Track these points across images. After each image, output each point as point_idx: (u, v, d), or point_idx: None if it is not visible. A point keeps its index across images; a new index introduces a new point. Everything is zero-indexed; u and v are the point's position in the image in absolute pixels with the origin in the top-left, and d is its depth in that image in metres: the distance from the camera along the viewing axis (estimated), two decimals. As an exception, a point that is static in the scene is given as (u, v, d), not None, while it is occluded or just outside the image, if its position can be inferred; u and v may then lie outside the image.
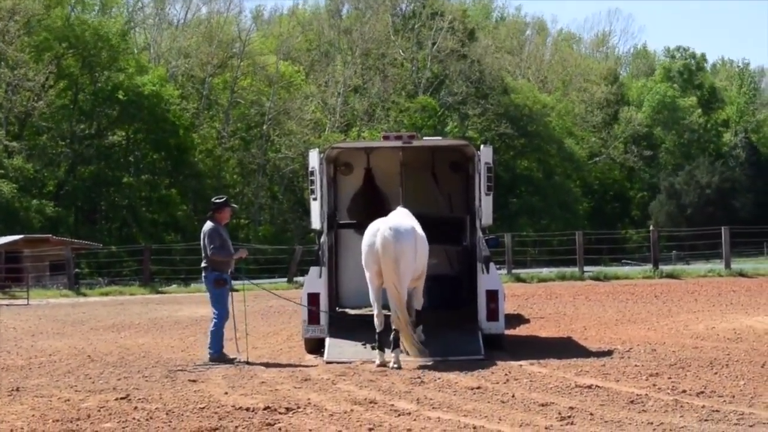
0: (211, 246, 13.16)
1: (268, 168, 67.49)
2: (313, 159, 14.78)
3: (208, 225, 13.37)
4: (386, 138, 16.21)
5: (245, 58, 68.09)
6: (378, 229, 12.74)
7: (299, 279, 28.41)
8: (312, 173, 14.78)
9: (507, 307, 15.87)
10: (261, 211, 66.00)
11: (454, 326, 14.57)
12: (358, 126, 68.96)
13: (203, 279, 13.61)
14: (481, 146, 14.78)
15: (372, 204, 15.96)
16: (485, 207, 14.48)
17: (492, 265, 14.30)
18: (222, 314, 13.23)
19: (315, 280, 14.20)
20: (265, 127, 66.30)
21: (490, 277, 14.16)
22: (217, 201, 13.75)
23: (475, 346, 13.49)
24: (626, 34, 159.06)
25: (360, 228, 14.81)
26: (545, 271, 34.75)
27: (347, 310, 16.15)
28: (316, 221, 14.91)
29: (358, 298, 15.40)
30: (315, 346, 14.06)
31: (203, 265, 13.38)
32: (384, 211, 14.50)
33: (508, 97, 74.61)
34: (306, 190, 13.56)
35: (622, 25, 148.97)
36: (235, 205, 14.39)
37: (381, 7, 75.50)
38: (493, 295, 14.08)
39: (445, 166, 16.78)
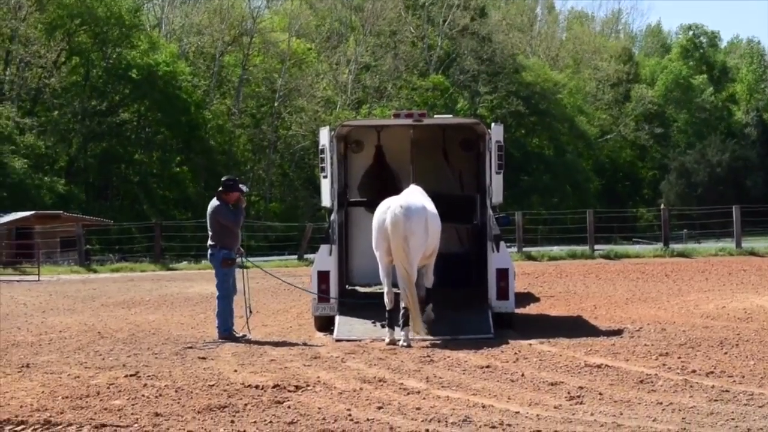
0: (227, 220, 13.22)
1: (279, 145, 67.62)
2: (324, 137, 14.72)
3: (215, 203, 13.32)
4: (397, 116, 16.30)
5: (256, 35, 67.71)
6: (389, 207, 12.71)
7: (310, 256, 28.33)
8: (322, 151, 14.73)
9: (517, 285, 15.85)
10: (272, 188, 66.15)
11: (464, 305, 14.58)
12: (369, 104, 68.62)
13: (209, 257, 13.58)
14: (492, 124, 14.74)
15: (382, 182, 15.99)
16: (496, 185, 14.46)
17: (502, 243, 14.26)
18: (224, 294, 13.20)
19: (325, 258, 14.22)
20: (276, 104, 66.26)
21: (500, 256, 14.09)
22: (228, 182, 13.65)
23: (484, 325, 13.48)
24: (636, 11, 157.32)
25: (370, 206, 14.85)
26: (556, 250, 34.45)
27: (357, 288, 16.13)
28: (326, 199, 14.91)
29: (369, 276, 15.46)
30: (325, 324, 14.05)
31: (210, 243, 13.35)
32: (394, 189, 14.61)
33: (519, 74, 74.44)
34: (317, 168, 13.46)
35: (632, 2, 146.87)
36: (245, 188, 14.16)
37: None
38: (503, 274, 14.01)
39: (455, 144, 16.75)
